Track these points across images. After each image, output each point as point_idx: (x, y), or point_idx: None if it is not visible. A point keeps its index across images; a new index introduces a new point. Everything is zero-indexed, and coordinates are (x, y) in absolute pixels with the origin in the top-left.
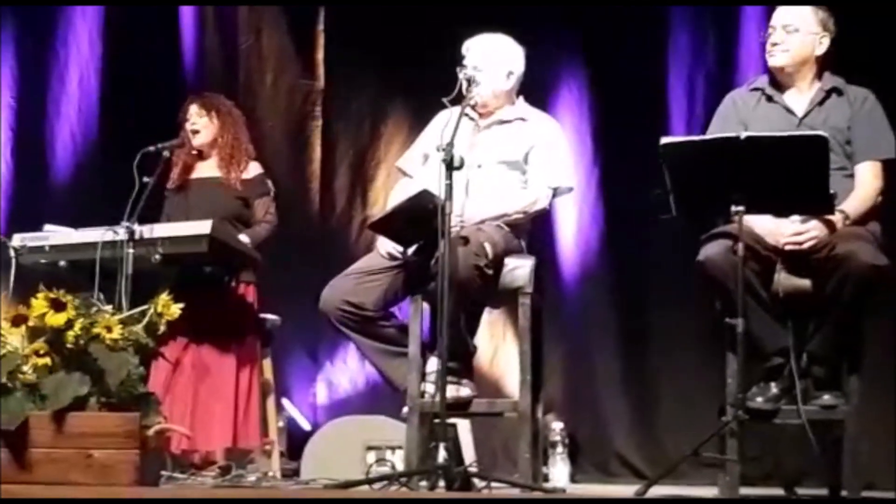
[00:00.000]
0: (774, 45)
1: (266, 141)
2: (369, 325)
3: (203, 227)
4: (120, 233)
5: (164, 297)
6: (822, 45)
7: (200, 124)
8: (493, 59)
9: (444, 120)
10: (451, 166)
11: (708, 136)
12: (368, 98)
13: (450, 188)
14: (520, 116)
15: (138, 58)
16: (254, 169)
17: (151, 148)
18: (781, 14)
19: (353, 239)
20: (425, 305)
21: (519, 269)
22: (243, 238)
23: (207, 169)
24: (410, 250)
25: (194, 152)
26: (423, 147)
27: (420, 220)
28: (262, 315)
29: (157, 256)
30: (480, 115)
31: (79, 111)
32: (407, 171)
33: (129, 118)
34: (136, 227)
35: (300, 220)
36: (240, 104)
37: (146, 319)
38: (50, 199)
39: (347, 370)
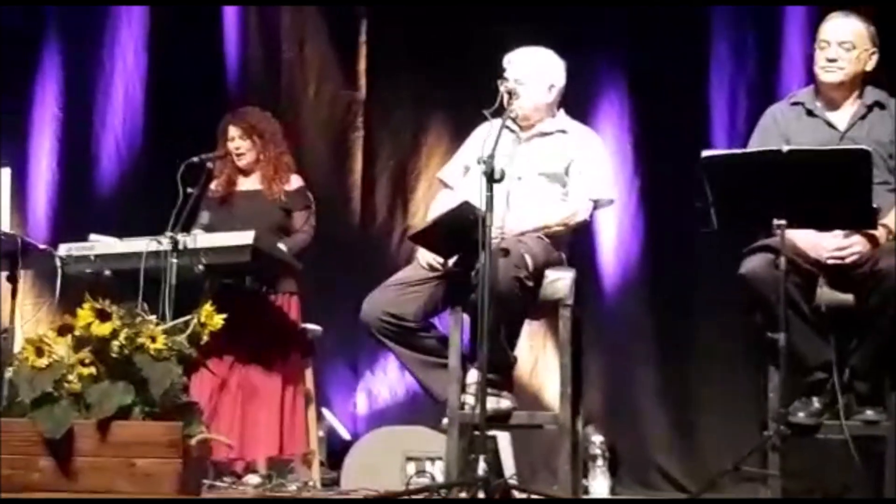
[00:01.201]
0: (831, 60)
1: (307, 151)
2: (409, 336)
3: (246, 237)
4: (164, 243)
5: (207, 307)
6: (872, 61)
7: (244, 147)
8: (534, 72)
9: (486, 132)
10: (491, 178)
11: (750, 150)
12: (410, 109)
13: (490, 200)
14: (560, 129)
15: (182, 67)
16: (295, 181)
17: (195, 159)
18: (836, 30)
19: (394, 249)
20: (465, 317)
21: (559, 280)
22: (281, 246)
23: (250, 182)
24: (451, 262)
25: (239, 164)
26: (464, 159)
27: (461, 231)
28: (304, 325)
29: (201, 266)
30: (521, 127)
31: (123, 121)
32: (448, 182)
33: (173, 128)
34: (180, 237)
35: (341, 230)
36: (280, 114)
37: (189, 329)
38: (95, 209)
39: (387, 380)
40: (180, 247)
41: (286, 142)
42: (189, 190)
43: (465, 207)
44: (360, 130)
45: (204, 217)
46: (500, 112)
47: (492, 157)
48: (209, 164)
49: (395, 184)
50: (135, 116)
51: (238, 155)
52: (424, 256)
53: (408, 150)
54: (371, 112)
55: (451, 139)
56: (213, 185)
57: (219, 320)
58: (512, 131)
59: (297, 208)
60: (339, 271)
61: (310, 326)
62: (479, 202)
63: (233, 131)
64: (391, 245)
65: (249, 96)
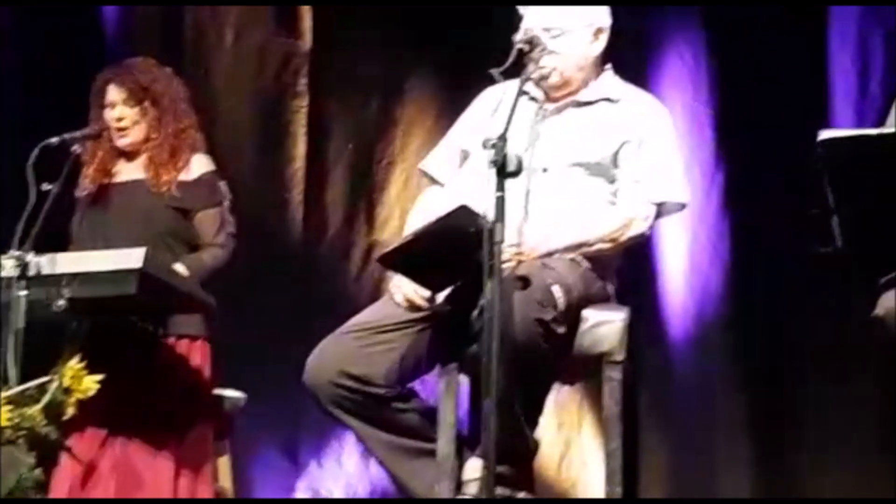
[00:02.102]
0: None
1: (223, 127)
2: (378, 407)
3: (131, 258)
4: (6, 267)
5: (73, 363)
6: None
7: (129, 118)
8: (569, 11)
9: (493, 101)
10: (503, 171)
11: (893, 129)
12: (377, 66)
13: (501, 203)
14: (607, 96)
15: (41, 23)
16: (198, 165)
17: (54, 140)
18: None
19: (354, 276)
20: (462, 379)
21: (604, 325)
22: (179, 268)
23: (133, 170)
24: (441, 296)
25: (120, 143)
26: (461, 141)
27: (456, 250)
28: (217, 390)
29: (62, 302)
30: (548, 94)
31: None
32: (436, 176)
33: (23, 103)
34: (32, 259)
35: (274, 245)
36: (184, 72)
37: (47, 398)
38: None
39: (343, 474)
40: (31, 272)
41: (194, 113)
42: (46, 186)
43: (463, 215)
44: (303, 98)
45: (74, 224)
46: (515, 71)
47: (503, 138)
48: (76, 148)
49: (355, 177)
50: None
51: (120, 130)
52: (401, 289)
53: (374, 128)
54: (320, 71)
55: (439, 111)
56: (82, 177)
57: (90, 383)
58: (533, 100)
59: (199, 205)
60: (271, 308)
61: (226, 393)
62: (482, 207)
63: (113, 94)
64: (349, 270)
65: (136, 49)
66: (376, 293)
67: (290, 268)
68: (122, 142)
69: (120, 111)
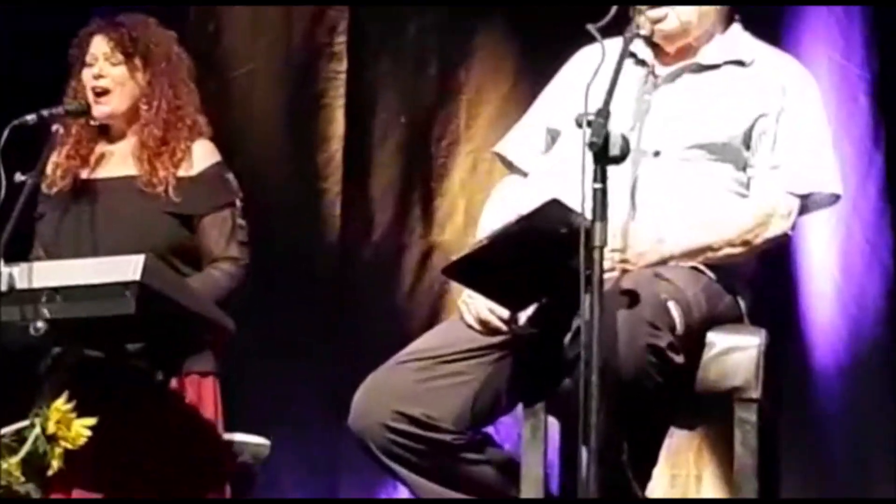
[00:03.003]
0: None
1: (236, 100)
2: (444, 457)
3: (127, 267)
4: None
5: (59, 404)
6: None
7: (112, 77)
8: None
9: (590, 66)
10: (604, 155)
11: None
12: (435, 19)
13: (602, 197)
14: (736, 58)
15: None
16: (200, 156)
17: (29, 118)
18: None
19: (407, 290)
20: (552, 422)
21: (735, 352)
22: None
23: (119, 160)
24: (524, 316)
25: (94, 123)
26: (547, 117)
27: (543, 257)
28: (231, 435)
29: (41, 324)
30: (661, 54)
31: None
32: (515, 161)
33: None
34: (2, 269)
35: (303, 252)
36: (188, 40)
37: (26, 448)
38: None
39: None
40: (1, 286)
41: (197, 93)
42: (20, 177)
43: (552, 212)
44: (341, 60)
45: (44, 231)
46: (617, 27)
47: (604, 113)
48: (57, 127)
49: (407, 162)
50: None
51: (98, 94)
52: (473, 306)
53: (432, 99)
54: (363, 26)
55: (516, 76)
56: (50, 167)
57: (80, 429)
58: (641, 63)
59: (204, 209)
60: (301, 332)
61: (244, 438)
62: (578, 202)
63: (98, 44)
64: (401, 281)
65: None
66: (437, 312)
67: (323, 280)
68: (99, 110)
69: (100, 67)
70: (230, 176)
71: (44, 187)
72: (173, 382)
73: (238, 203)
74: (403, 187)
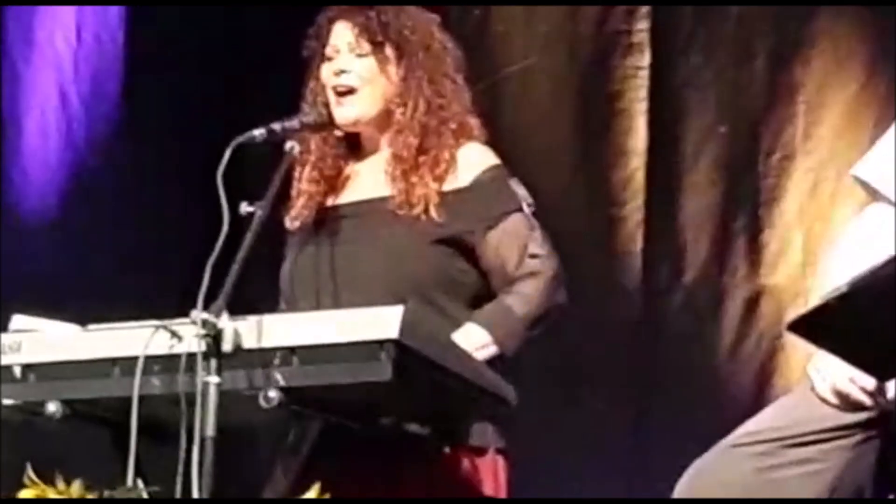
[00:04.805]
0: None
1: (511, 105)
2: None
3: (381, 320)
4: (186, 336)
5: (313, 494)
6: None
7: (358, 71)
8: None
9: None
10: None
11: None
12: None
13: None
14: None
15: None
16: (472, 161)
17: (257, 133)
18: None
19: (729, 347)
20: None
21: None
22: (461, 341)
23: (368, 180)
24: (893, 388)
25: (339, 133)
26: None
27: None
28: None
29: (275, 394)
30: None
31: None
32: (880, 188)
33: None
34: (226, 324)
35: (597, 296)
36: (453, 27)
37: None
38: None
39: None
40: (226, 346)
41: (467, 88)
42: (246, 208)
43: None
44: (642, 53)
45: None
46: None
47: None
48: (292, 145)
49: (729, 182)
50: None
51: (341, 93)
52: (829, 375)
53: (760, 100)
54: (669, 10)
55: (870, 72)
56: (294, 194)
57: None
58: None
59: (483, 222)
60: (593, 397)
61: None
62: None
63: (337, 36)
64: (721, 335)
65: None
66: (767, 375)
67: (622, 332)
68: (343, 114)
69: (343, 61)
70: (514, 181)
71: (287, 221)
72: (445, 456)
73: (527, 209)
74: (723, 215)
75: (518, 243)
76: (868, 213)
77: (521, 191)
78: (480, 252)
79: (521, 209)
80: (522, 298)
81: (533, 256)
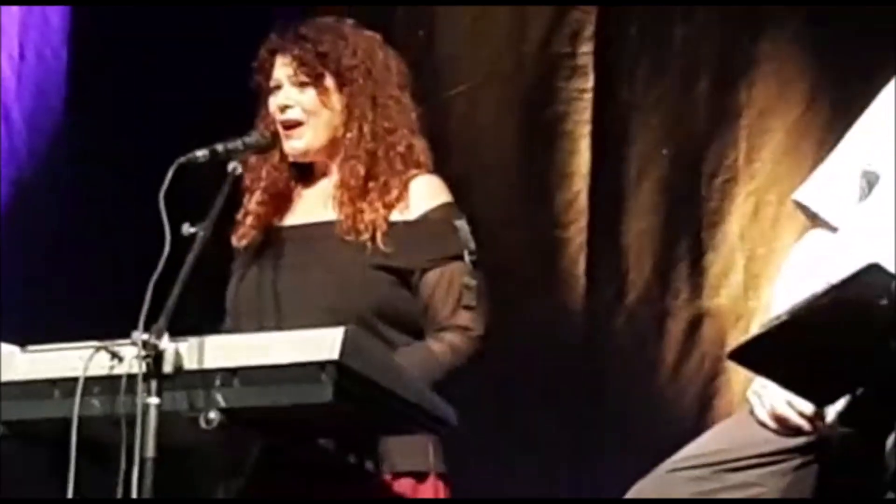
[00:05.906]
0: None
1: (455, 126)
2: None
3: (323, 342)
4: (126, 357)
5: None
6: None
7: (301, 104)
8: None
9: None
10: None
11: None
12: (706, 26)
13: None
14: None
15: None
16: (424, 194)
17: (200, 154)
18: None
19: (669, 371)
20: None
21: None
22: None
23: (317, 204)
24: (833, 411)
25: (290, 149)
26: (863, 157)
27: (857, 337)
28: None
29: (215, 415)
30: None
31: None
32: (821, 213)
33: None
34: (167, 345)
35: (540, 318)
36: (399, 44)
37: None
38: None
39: None
40: (166, 368)
41: (413, 106)
42: (188, 229)
43: (871, 279)
44: (586, 76)
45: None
46: None
47: None
48: (234, 166)
49: (671, 205)
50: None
51: (287, 127)
52: (769, 400)
53: (704, 125)
54: (614, 30)
55: (811, 95)
56: (241, 215)
57: None
58: None
59: (426, 261)
60: (538, 419)
61: None
62: None
63: (279, 69)
64: (662, 359)
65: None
66: (708, 398)
67: (564, 355)
68: (292, 147)
69: (286, 95)
70: (461, 222)
71: (234, 240)
72: (384, 482)
73: (468, 257)
74: (666, 237)
75: (453, 291)
76: (807, 239)
77: (465, 235)
78: (416, 289)
79: (462, 257)
80: (450, 349)
81: (467, 308)
